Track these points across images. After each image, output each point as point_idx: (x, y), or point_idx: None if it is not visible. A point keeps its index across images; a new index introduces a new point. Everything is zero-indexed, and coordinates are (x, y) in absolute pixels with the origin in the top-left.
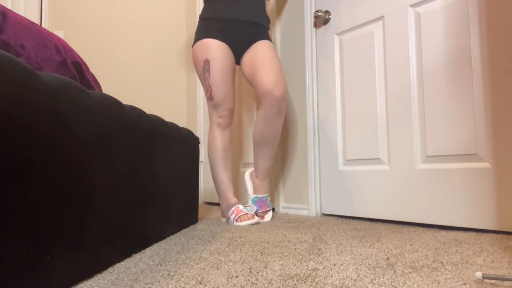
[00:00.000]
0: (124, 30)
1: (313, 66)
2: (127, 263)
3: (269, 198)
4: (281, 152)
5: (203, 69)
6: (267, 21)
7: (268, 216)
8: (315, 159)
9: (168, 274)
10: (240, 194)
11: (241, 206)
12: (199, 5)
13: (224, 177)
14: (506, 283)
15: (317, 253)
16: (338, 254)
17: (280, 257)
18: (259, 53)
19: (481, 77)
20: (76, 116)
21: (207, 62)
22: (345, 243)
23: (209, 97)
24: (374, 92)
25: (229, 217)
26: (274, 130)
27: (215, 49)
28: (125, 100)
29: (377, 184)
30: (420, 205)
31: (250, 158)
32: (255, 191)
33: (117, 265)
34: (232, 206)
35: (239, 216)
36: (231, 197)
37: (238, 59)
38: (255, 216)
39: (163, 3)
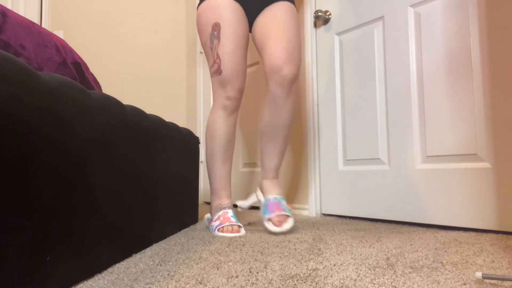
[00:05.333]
0: (124, 30)
1: (313, 66)
2: (127, 263)
3: (284, 202)
4: None
5: (211, 36)
6: None
7: (287, 224)
8: (315, 159)
9: (168, 274)
10: (236, 194)
11: (230, 213)
12: None
13: (222, 171)
14: (506, 283)
15: (317, 253)
16: (338, 254)
17: (280, 257)
18: (275, 18)
19: (481, 77)
20: (76, 116)
21: (216, 26)
22: (345, 243)
23: (216, 71)
24: (374, 92)
25: (212, 222)
26: (283, 117)
27: (227, 10)
28: (125, 100)
29: (377, 184)
30: (420, 205)
31: (252, 158)
32: (264, 194)
33: (117, 265)
34: (220, 209)
35: (223, 226)
36: (224, 197)
37: (251, 23)
38: (242, 228)
39: (163, 3)
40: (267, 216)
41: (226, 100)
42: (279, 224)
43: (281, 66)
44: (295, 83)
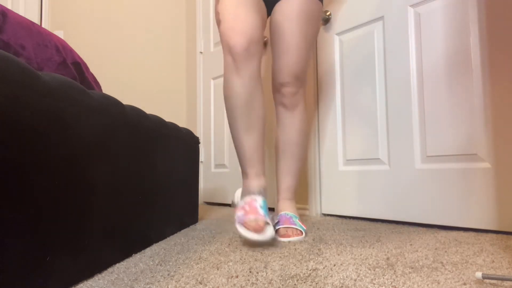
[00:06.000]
0: (124, 30)
1: (313, 66)
2: (127, 263)
3: (297, 220)
4: None
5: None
6: None
7: (294, 238)
8: (315, 159)
9: (168, 274)
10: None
11: (259, 201)
12: (199, 5)
13: (247, 143)
14: (506, 283)
15: (317, 253)
16: (338, 254)
17: (280, 257)
18: (286, 20)
19: (481, 77)
20: (76, 116)
21: None
22: (345, 243)
23: (217, 23)
24: (374, 92)
25: (238, 210)
26: (291, 136)
27: None
28: (125, 100)
29: (377, 184)
30: (420, 205)
31: None
32: (276, 213)
33: (117, 265)
34: (248, 194)
35: (246, 221)
36: (252, 176)
37: (270, 8)
38: (269, 227)
39: (163, 3)
40: (276, 227)
41: (229, 54)
42: (285, 236)
43: (282, 84)
44: (298, 98)
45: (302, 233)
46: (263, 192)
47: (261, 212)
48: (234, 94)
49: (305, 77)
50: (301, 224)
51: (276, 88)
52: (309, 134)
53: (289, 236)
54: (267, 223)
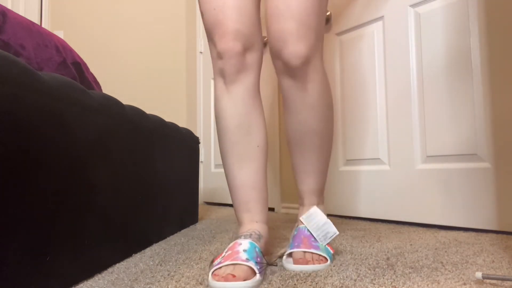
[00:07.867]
0: (124, 30)
1: None
2: (127, 263)
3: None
4: (280, 152)
5: None
6: None
7: (314, 266)
8: None
9: (168, 274)
10: None
11: (244, 244)
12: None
13: (240, 178)
14: (506, 283)
15: None
16: (338, 254)
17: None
18: None
19: (481, 77)
20: (76, 116)
21: None
22: (345, 243)
23: (202, 17)
24: (374, 92)
25: (216, 259)
26: (303, 120)
27: None
28: (125, 100)
29: (377, 184)
30: (420, 205)
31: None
32: (298, 224)
33: (117, 265)
34: (233, 240)
35: (220, 267)
36: (247, 222)
37: None
38: (255, 276)
39: (163, 3)
40: (289, 250)
41: (218, 60)
42: (300, 262)
43: (285, 41)
44: (312, 67)
45: (326, 260)
46: (255, 236)
47: (243, 256)
48: (224, 114)
49: (320, 29)
50: (326, 245)
51: (276, 48)
52: (333, 116)
53: (305, 263)
54: (252, 271)
